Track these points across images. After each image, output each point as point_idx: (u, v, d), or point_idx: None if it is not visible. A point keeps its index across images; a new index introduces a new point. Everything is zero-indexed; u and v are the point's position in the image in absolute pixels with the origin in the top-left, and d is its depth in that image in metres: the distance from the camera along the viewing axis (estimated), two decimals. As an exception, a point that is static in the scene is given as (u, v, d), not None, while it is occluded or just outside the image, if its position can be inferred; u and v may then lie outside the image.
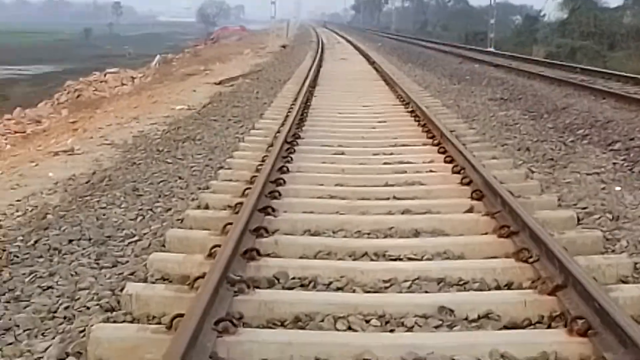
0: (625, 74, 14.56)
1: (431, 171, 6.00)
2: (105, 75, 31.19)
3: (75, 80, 30.37)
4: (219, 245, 3.68)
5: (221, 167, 6.28)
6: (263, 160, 6.12)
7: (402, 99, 10.87)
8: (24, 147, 11.95)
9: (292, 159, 6.28)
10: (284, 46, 33.05)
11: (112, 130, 10.15)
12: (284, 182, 5.41)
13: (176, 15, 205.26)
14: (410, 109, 9.58)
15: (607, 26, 39.19)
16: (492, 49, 33.65)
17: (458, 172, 5.71)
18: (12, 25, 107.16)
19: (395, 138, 7.61)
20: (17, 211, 5.27)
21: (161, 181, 5.83)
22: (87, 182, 6.27)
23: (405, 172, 6.01)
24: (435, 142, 7.07)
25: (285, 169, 5.83)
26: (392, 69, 17.23)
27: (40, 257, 4.12)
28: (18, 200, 5.61)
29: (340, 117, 9.28)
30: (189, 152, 7.19)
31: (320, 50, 25.13)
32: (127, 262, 4.02)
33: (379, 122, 8.90)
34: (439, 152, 6.64)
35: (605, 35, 38.53)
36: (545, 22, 45.56)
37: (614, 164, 6.46)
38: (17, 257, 4.12)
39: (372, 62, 19.56)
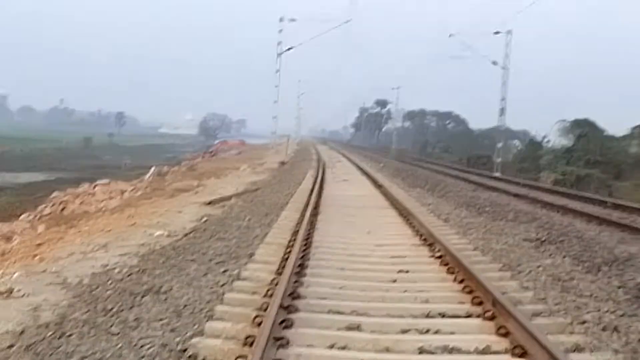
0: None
1: (496, 374, 4.00)
2: (94, 187, 29.72)
3: (64, 191, 28.89)
4: None
5: (184, 351, 4.28)
6: (246, 343, 4.17)
7: (422, 237, 9.00)
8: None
9: (288, 341, 4.30)
10: (283, 163, 31.85)
11: (73, 261, 8.96)
12: (274, 395, 3.43)
13: (179, 126, 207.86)
14: (437, 253, 7.68)
15: (613, 155, 38.78)
16: (498, 174, 32.77)
17: (541, 381, 3.73)
18: (15, 131, 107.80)
19: (426, 301, 5.65)
20: None
21: (86, 380, 3.80)
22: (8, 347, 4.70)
23: (457, 372, 4.02)
24: (487, 312, 5.10)
25: (276, 365, 3.86)
26: (401, 194, 15.49)
27: None
28: None
29: (350, 263, 7.30)
30: (146, 316, 5.19)
31: (321, 169, 23.62)
32: None
33: (400, 271, 6.92)
34: (497, 334, 4.66)
35: (611, 164, 37.85)
36: (549, 149, 44.89)
37: None
38: None
39: (378, 186, 17.88)
